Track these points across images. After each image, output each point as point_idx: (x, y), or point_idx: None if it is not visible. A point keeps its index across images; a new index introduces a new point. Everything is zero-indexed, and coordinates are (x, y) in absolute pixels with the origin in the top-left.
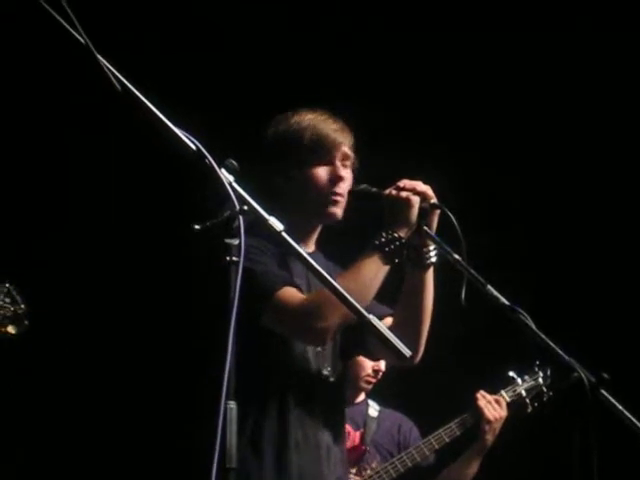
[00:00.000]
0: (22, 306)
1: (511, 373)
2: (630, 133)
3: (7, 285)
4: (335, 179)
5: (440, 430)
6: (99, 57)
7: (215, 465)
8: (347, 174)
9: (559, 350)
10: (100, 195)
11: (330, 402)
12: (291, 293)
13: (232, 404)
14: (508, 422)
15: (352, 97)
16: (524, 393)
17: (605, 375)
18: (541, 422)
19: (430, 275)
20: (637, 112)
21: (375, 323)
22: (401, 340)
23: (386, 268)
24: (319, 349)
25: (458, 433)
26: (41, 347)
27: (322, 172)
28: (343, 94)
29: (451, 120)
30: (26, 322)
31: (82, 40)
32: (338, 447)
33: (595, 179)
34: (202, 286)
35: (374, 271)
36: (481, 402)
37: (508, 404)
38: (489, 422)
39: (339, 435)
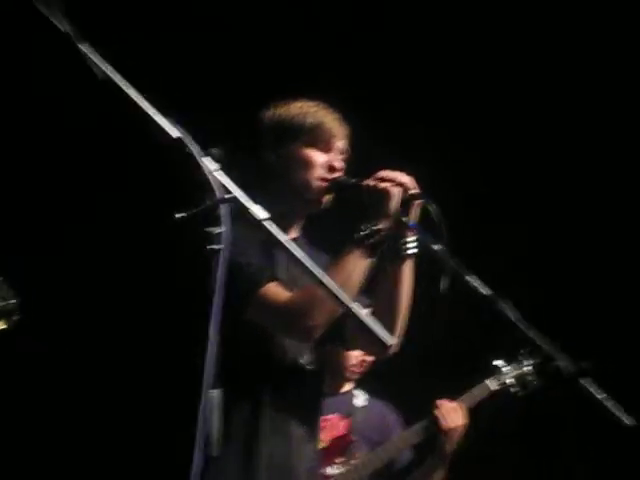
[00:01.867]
0: (12, 301)
1: (496, 362)
2: (627, 123)
3: None
4: (330, 168)
5: (405, 432)
6: (79, 45)
7: (197, 453)
8: (341, 168)
9: (539, 340)
10: (83, 184)
11: (305, 392)
12: (276, 290)
13: (214, 392)
14: (495, 411)
15: (340, 86)
16: (509, 382)
17: (585, 364)
18: (522, 411)
19: (409, 267)
20: (634, 107)
21: (357, 312)
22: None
23: (368, 262)
24: None
25: (422, 437)
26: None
27: (318, 156)
28: (331, 83)
29: (438, 110)
30: (15, 317)
31: (62, 28)
32: (310, 433)
33: (585, 170)
34: (185, 275)
35: (356, 266)
36: (437, 412)
37: (471, 409)
38: (445, 432)
39: (313, 422)
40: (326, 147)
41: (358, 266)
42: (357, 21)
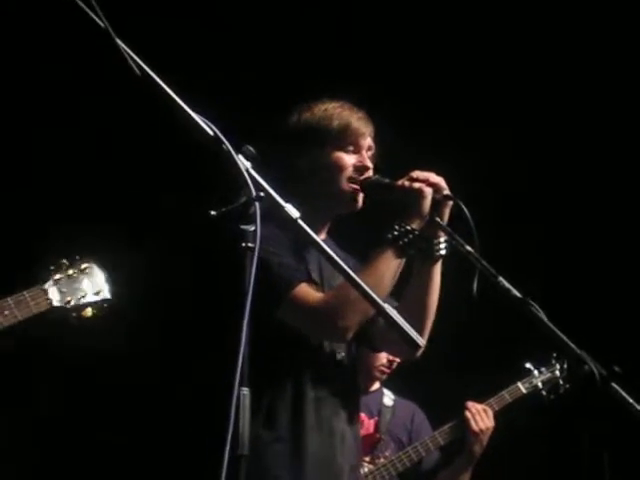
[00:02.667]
0: (104, 287)
1: (528, 365)
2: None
3: (89, 264)
4: (361, 168)
5: (435, 432)
6: (118, 41)
7: (227, 452)
8: (371, 166)
9: (570, 343)
10: (115, 181)
11: (344, 386)
12: (307, 291)
13: (245, 390)
14: (523, 414)
15: (368, 84)
16: (540, 385)
17: (616, 368)
18: (552, 413)
19: (438, 268)
20: None
21: (390, 312)
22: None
23: (401, 261)
24: None
25: (451, 438)
26: None
27: (348, 158)
28: (358, 81)
29: (463, 111)
30: (105, 305)
31: (101, 24)
32: (352, 430)
33: (607, 171)
34: (218, 272)
35: (389, 266)
36: (468, 413)
37: (496, 413)
38: (475, 434)
39: (353, 418)
40: (355, 148)
41: (390, 266)
42: (385, 19)
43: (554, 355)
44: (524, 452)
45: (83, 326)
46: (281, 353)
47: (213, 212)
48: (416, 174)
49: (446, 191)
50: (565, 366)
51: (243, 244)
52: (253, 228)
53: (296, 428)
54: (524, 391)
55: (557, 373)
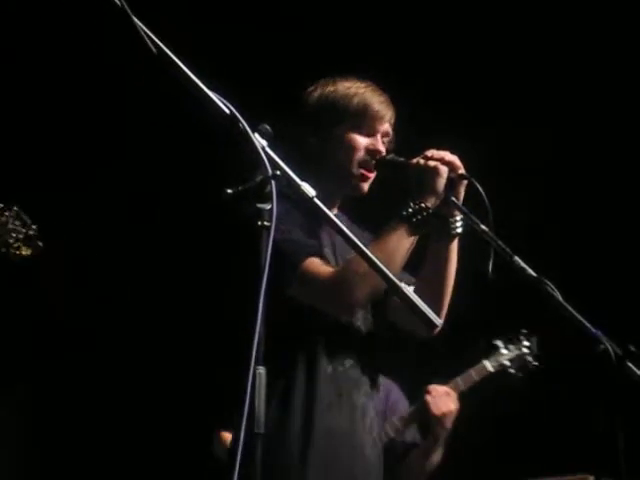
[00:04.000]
0: (33, 227)
1: (496, 342)
2: None
3: (15, 208)
4: (373, 152)
5: (402, 415)
6: (135, 19)
7: (243, 430)
8: (384, 151)
9: (585, 322)
10: (132, 159)
11: (363, 356)
12: (317, 264)
13: (261, 369)
14: (503, 391)
15: (383, 65)
16: (508, 363)
17: (632, 347)
18: (566, 395)
19: (454, 246)
20: None
21: (405, 290)
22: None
23: (413, 239)
24: None
25: (416, 421)
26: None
27: (362, 141)
28: (376, 60)
29: (479, 93)
30: (40, 243)
31: (118, 2)
32: (373, 401)
33: (627, 149)
34: (233, 251)
35: (401, 242)
36: (429, 397)
37: (461, 393)
38: (436, 418)
39: (373, 389)
40: (370, 132)
41: (402, 243)
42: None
43: (523, 332)
44: (541, 428)
45: (25, 262)
46: (295, 332)
47: (229, 191)
48: (431, 152)
49: (461, 170)
50: (534, 343)
51: (259, 223)
52: (269, 206)
53: (310, 406)
54: (491, 369)
55: (525, 350)
